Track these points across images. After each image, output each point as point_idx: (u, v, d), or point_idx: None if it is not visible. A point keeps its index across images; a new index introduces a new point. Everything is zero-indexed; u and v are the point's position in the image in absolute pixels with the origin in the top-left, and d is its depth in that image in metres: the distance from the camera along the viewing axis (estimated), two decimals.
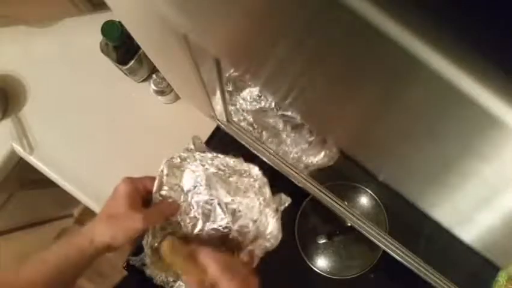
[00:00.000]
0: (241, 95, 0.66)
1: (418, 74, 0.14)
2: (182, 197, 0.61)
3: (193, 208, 0.61)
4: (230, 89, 0.67)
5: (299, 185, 0.66)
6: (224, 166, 0.61)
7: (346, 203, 0.66)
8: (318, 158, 0.68)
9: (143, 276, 0.63)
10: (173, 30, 0.31)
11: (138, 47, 0.70)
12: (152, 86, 0.73)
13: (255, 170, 0.60)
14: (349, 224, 0.67)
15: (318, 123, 0.28)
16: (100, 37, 0.67)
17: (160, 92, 0.74)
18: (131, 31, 0.43)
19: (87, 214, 1.48)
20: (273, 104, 0.66)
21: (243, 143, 0.67)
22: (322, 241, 0.70)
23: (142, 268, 0.63)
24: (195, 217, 0.61)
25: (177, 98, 0.78)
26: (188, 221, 0.61)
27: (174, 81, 0.63)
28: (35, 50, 0.82)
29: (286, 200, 0.62)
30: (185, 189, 0.61)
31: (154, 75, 0.72)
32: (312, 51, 0.18)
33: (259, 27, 0.20)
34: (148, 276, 0.62)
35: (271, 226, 0.59)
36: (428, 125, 0.17)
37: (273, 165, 0.66)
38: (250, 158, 0.68)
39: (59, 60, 0.81)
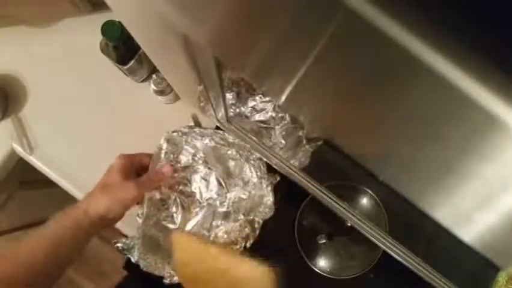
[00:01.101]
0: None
1: (419, 74, 0.14)
2: (180, 172, 0.62)
3: (189, 184, 0.62)
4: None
5: (299, 185, 0.66)
6: (223, 141, 0.62)
7: (346, 203, 0.66)
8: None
9: (143, 276, 0.63)
10: (173, 30, 0.31)
11: (138, 47, 0.70)
12: (152, 86, 0.73)
13: (256, 155, 0.62)
14: (349, 224, 0.67)
15: (318, 123, 0.28)
16: (100, 37, 0.67)
17: (160, 92, 0.74)
18: (131, 31, 0.43)
19: None
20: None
21: (243, 142, 0.67)
22: (322, 241, 0.70)
23: (130, 255, 0.63)
24: (192, 192, 0.62)
25: (177, 98, 0.78)
26: (184, 197, 0.62)
27: (174, 81, 0.63)
28: (35, 50, 0.82)
29: (277, 177, 0.64)
30: (182, 163, 0.62)
31: (154, 75, 0.72)
32: (311, 47, 0.18)
33: (259, 27, 0.20)
34: (136, 262, 0.62)
35: (266, 197, 0.61)
36: (428, 125, 0.17)
37: (272, 165, 0.66)
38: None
39: (59, 60, 0.81)
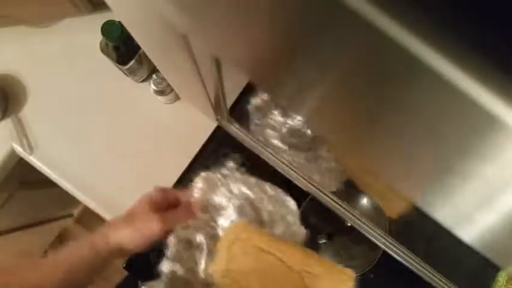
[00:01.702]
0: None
1: (419, 74, 0.14)
2: (211, 214, 0.59)
3: (219, 228, 0.59)
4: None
5: (299, 185, 0.66)
6: (262, 192, 0.59)
7: (346, 203, 0.66)
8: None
9: (144, 276, 0.63)
10: (173, 30, 0.31)
11: (138, 47, 0.70)
12: (152, 86, 0.73)
13: (291, 204, 0.59)
14: (349, 224, 0.67)
15: (315, 122, 0.28)
16: (100, 37, 0.67)
17: (160, 92, 0.74)
18: (131, 31, 0.43)
19: (87, 214, 1.48)
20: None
21: (243, 142, 0.68)
22: (322, 241, 0.70)
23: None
24: (213, 235, 0.58)
25: (177, 98, 0.78)
26: (211, 241, 0.58)
27: (174, 81, 0.63)
28: (35, 50, 0.82)
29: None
30: (215, 206, 0.59)
31: (154, 75, 0.72)
32: (311, 47, 0.18)
33: (258, 27, 0.20)
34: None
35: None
36: (428, 125, 0.17)
37: (272, 164, 0.66)
38: (250, 157, 0.68)
39: (59, 60, 0.81)
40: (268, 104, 0.69)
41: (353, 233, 0.68)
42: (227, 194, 0.59)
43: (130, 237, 0.50)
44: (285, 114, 0.67)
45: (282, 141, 0.68)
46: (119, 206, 0.75)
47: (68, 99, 0.80)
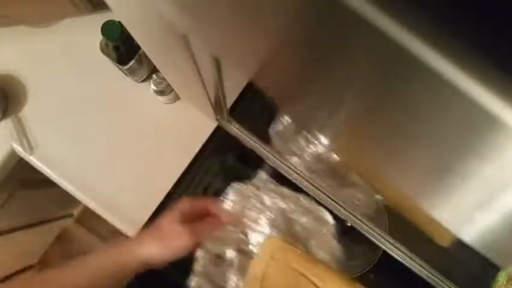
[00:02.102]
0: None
1: (418, 74, 0.14)
2: (242, 227, 0.58)
3: (250, 242, 0.57)
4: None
5: (299, 185, 0.66)
6: (297, 206, 0.58)
7: (346, 203, 0.66)
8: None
9: (145, 276, 0.63)
10: (173, 30, 0.31)
11: (138, 47, 0.70)
12: (152, 86, 0.73)
13: (328, 217, 0.58)
14: (349, 224, 0.67)
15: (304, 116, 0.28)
16: (100, 37, 0.67)
17: (160, 92, 0.74)
18: (131, 31, 0.43)
19: (87, 214, 1.48)
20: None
21: (243, 142, 0.68)
22: None
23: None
24: (251, 252, 0.57)
25: (177, 98, 0.78)
26: (242, 256, 0.57)
27: (174, 81, 0.63)
28: (35, 50, 0.82)
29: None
30: (246, 219, 0.57)
31: (154, 75, 0.72)
32: (312, 46, 0.18)
33: (258, 26, 0.20)
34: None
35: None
36: (427, 125, 0.17)
37: (273, 164, 0.66)
38: (250, 157, 0.68)
39: (59, 60, 0.81)
40: (290, 129, 0.67)
41: (353, 233, 0.68)
42: (259, 206, 0.58)
43: (158, 253, 0.50)
44: (308, 139, 0.65)
45: (308, 168, 0.66)
46: (119, 206, 0.75)
47: (68, 99, 0.80)
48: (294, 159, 0.66)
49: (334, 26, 0.15)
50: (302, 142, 0.65)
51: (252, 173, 0.71)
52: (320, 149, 0.65)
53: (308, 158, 0.66)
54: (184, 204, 0.53)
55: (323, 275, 0.49)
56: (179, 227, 0.50)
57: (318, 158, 0.66)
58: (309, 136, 0.64)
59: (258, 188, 0.59)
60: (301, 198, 0.58)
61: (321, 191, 0.64)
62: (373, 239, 0.64)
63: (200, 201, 0.56)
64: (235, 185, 0.59)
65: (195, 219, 0.53)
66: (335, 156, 0.65)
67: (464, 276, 0.65)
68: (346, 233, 0.70)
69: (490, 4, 0.12)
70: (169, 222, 0.51)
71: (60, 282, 0.48)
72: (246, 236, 0.57)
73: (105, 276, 0.49)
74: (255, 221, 0.57)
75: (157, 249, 0.50)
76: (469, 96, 0.13)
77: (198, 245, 0.52)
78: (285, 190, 0.59)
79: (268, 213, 0.57)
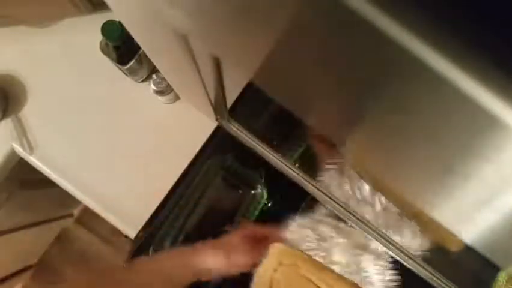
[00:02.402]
0: None
1: (419, 74, 0.14)
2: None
3: None
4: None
5: (300, 184, 0.66)
6: (349, 239, 0.62)
7: (346, 203, 0.66)
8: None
9: None
10: (173, 30, 0.31)
11: (138, 47, 0.70)
12: (152, 86, 0.73)
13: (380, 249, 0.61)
14: (349, 224, 0.67)
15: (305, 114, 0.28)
16: (100, 37, 0.67)
17: (160, 92, 0.74)
18: (131, 31, 0.43)
19: (87, 214, 1.48)
20: None
21: (243, 142, 0.68)
22: None
23: None
24: None
25: (177, 98, 0.78)
26: None
27: (174, 81, 0.63)
28: (35, 50, 0.82)
29: None
30: (304, 250, 0.61)
31: (154, 75, 0.72)
32: (312, 46, 0.18)
33: (258, 27, 0.20)
34: None
35: None
36: (427, 125, 0.17)
37: (273, 164, 0.66)
38: (250, 158, 0.68)
39: (59, 60, 0.81)
40: (332, 178, 0.68)
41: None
42: (316, 238, 0.61)
43: (224, 266, 0.52)
44: (352, 185, 0.66)
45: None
46: (119, 206, 0.75)
47: (68, 99, 0.80)
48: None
49: (334, 25, 0.15)
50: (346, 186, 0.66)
51: (254, 175, 0.71)
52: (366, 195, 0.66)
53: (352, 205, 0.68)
54: (251, 229, 0.56)
55: (331, 281, 0.49)
56: (247, 245, 0.53)
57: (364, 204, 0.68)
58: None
59: (317, 222, 0.63)
60: (356, 233, 0.62)
61: (315, 186, 0.65)
62: (373, 239, 0.64)
63: (262, 228, 0.58)
64: (298, 219, 0.63)
65: (256, 242, 0.56)
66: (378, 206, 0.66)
67: (464, 276, 0.65)
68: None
69: (490, 4, 0.12)
70: (238, 240, 0.54)
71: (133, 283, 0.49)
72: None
73: (174, 278, 0.50)
74: (311, 251, 0.61)
75: (224, 264, 0.52)
76: (469, 96, 0.13)
77: (255, 265, 0.53)
78: (341, 224, 0.63)
79: (323, 244, 0.61)
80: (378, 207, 0.64)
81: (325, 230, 0.62)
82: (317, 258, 0.59)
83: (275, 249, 0.50)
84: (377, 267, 0.62)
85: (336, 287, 0.48)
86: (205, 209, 0.74)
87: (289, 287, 0.49)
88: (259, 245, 0.55)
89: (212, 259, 0.52)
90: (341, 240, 0.62)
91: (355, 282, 0.53)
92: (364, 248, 0.62)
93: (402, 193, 0.26)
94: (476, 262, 0.61)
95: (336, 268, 0.58)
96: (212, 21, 0.23)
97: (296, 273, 0.49)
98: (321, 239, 0.62)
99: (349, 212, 0.65)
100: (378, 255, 0.63)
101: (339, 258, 0.61)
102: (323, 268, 0.51)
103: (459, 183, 0.20)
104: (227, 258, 0.52)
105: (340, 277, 0.51)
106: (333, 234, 0.62)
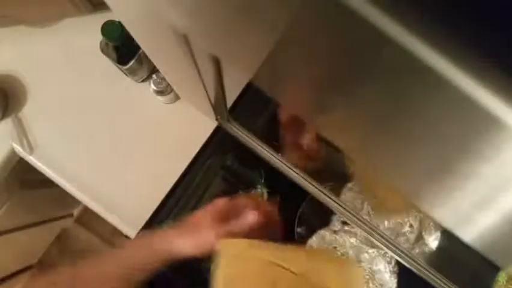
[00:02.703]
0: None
1: (419, 74, 0.14)
2: None
3: None
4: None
5: (299, 184, 0.66)
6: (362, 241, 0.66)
7: (346, 203, 0.66)
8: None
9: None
10: (173, 30, 0.31)
11: (138, 47, 0.70)
12: (152, 86, 0.73)
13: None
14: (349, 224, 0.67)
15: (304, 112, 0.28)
16: (100, 37, 0.67)
17: (160, 92, 0.74)
18: (131, 31, 0.43)
19: (87, 214, 1.48)
20: None
21: (243, 142, 0.68)
22: None
23: None
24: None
25: (177, 98, 0.78)
26: None
27: (174, 81, 0.63)
28: (35, 50, 0.82)
29: None
30: None
31: (154, 75, 0.72)
32: (313, 47, 0.18)
33: (258, 26, 0.20)
34: None
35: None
36: (428, 125, 0.17)
37: (273, 164, 0.66)
38: (250, 158, 0.68)
39: (59, 60, 0.81)
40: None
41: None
42: (335, 245, 0.65)
43: (191, 246, 0.50)
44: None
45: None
46: (119, 206, 0.75)
47: (68, 99, 0.80)
48: None
49: (333, 24, 0.15)
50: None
51: (254, 175, 0.71)
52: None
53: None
54: (217, 203, 0.53)
55: (286, 254, 0.49)
56: (209, 223, 0.50)
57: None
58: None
59: (334, 232, 0.66)
60: (370, 237, 0.64)
61: (315, 186, 0.65)
62: (373, 239, 0.64)
63: (242, 201, 0.55)
64: (318, 232, 0.66)
65: (233, 217, 0.53)
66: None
67: (464, 276, 0.65)
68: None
69: (490, 4, 0.12)
70: (200, 217, 0.52)
71: (92, 275, 0.49)
72: None
73: (137, 268, 0.50)
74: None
75: (190, 243, 0.50)
76: (469, 96, 0.13)
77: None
78: (357, 230, 0.65)
79: (340, 248, 0.65)
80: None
81: (340, 236, 0.66)
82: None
83: (220, 246, 0.49)
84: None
85: (289, 258, 0.48)
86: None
87: (247, 276, 0.48)
88: (227, 219, 0.52)
89: (178, 240, 0.51)
90: (353, 241, 0.65)
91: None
92: (374, 246, 0.64)
93: (402, 192, 0.26)
94: (476, 262, 0.61)
95: None
96: (212, 20, 0.23)
97: (253, 259, 0.49)
98: (337, 243, 0.66)
99: (349, 212, 0.65)
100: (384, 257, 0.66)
101: (352, 253, 0.64)
102: (279, 248, 0.50)
103: (459, 183, 0.20)
104: (192, 237, 0.50)
105: (293, 249, 0.51)
106: (350, 239, 0.66)
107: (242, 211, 0.53)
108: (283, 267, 0.47)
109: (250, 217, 0.51)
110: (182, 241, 0.51)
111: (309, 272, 0.48)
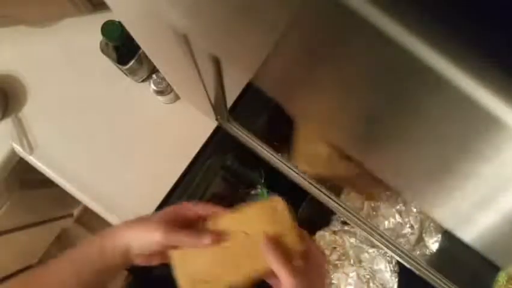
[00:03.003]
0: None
1: (419, 74, 0.14)
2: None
3: (330, 275, 0.65)
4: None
5: (299, 184, 0.66)
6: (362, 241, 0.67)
7: (346, 203, 0.66)
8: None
9: (144, 276, 0.63)
10: (173, 30, 0.31)
11: (138, 47, 0.70)
12: (152, 86, 0.73)
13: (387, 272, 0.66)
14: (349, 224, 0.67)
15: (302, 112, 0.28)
16: (100, 37, 0.67)
17: (160, 92, 0.74)
18: (131, 31, 0.43)
19: (87, 214, 1.48)
20: None
21: (243, 142, 0.68)
22: None
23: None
24: (332, 283, 0.65)
25: (177, 98, 0.78)
26: None
27: (174, 81, 0.63)
28: (35, 50, 0.82)
29: None
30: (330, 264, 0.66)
31: (154, 75, 0.72)
32: (313, 47, 0.18)
33: (258, 26, 0.20)
34: None
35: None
36: (428, 125, 0.17)
37: (273, 164, 0.66)
38: (250, 158, 0.68)
39: (59, 60, 0.81)
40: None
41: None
42: (333, 244, 0.66)
43: (136, 236, 0.47)
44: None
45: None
46: (119, 206, 0.75)
47: (68, 99, 0.80)
48: None
49: (333, 25, 0.15)
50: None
51: (254, 175, 0.71)
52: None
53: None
54: (170, 209, 0.50)
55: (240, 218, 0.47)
56: (157, 223, 0.47)
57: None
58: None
59: (334, 232, 0.67)
60: (370, 236, 0.65)
61: (315, 186, 0.65)
62: (373, 239, 0.64)
63: (186, 206, 0.51)
64: (318, 232, 0.67)
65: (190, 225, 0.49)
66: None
67: (464, 276, 0.65)
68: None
69: (490, 4, 0.12)
70: (157, 216, 0.48)
71: (45, 282, 0.47)
72: (328, 272, 0.66)
73: (92, 269, 0.47)
74: (332, 256, 0.66)
75: (135, 234, 0.47)
76: (469, 96, 0.13)
77: (174, 247, 0.47)
78: (357, 230, 0.66)
79: (340, 248, 0.66)
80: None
81: (340, 236, 0.67)
82: (337, 258, 0.65)
83: (173, 259, 0.45)
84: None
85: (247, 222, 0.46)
86: None
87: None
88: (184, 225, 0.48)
89: (124, 232, 0.48)
90: (353, 240, 0.66)
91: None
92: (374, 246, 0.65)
93: (402, 192, 0.26)
94: (476, 262, 0.61)
95: (348, 263, 0.64)
96: (212, 20, 0.23)
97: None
98: (337, 243, 0.67)
99: (349, 212, 0.65)
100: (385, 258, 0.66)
101: (352, 254, 0.66)
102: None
103: (459, 183, 0.20)
104: (140, 233, 0.47)
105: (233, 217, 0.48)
106: (350, 238, 0.67)
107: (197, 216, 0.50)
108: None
109: (205, 241, 0.46)
110: (128, 233, 0.47)
111: (240, 232, 0.45)
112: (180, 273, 0.45)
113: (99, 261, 0.48)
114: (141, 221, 0.49)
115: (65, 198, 0.88)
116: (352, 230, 0.66)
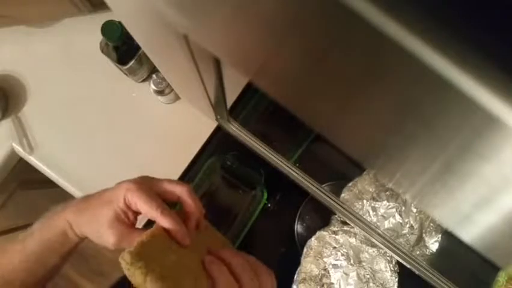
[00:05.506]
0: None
1: (419, 74, 0.14)
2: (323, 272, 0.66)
3: (330, 276, 0.66)
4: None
5: (299, 184, 0.66)
6: (362, 240, 0.67)
7: (346, 203, 0.66)
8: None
9: None
10: (173, 30, 0.31)
11: (138, 47, 0.70)
12: (152, 86, 0.73)
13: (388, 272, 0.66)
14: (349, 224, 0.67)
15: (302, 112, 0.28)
16: (100, 37, 0.67)
17: (160, 92, 0.74)
18: (131, 31, 0.43)
19: None
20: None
21: (243, 142, 0.68)
22: None
23: None
24: (331, 283, 0.65)
25: (177, 98, 0.78)
26: None
27: (174, 81, 0.63)
28: (35, 50, 0.82)
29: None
30: (324, 257, 0.66)
31: (154, 75, 0.72)
32: (313, 47, 0.18)
33: (258, 26, 0.20)
34: None
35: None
36: (427, 125, 0.17)
37: (273, 164, 0.66)
38: (250, 158, 0.68)
39: (59, 60, 0.81)
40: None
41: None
42: (333, 244, 0.67)
43: (91, 235, 0.46)
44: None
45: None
46: None
47: (68, 99, 0.80)
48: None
49: (333, 24, 0.15)
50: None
51: (254, 175, 0.71)
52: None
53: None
54: (135, 184, 0.46)
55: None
56: (111, 227, 0.43)
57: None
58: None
59: (334, 232, 0.67)
60: (370, 236, 0.65)
61: (315, 186, 0.65)
62: (373, 239, 0.64)
63: (158, 182, 0.48)
64: (318, 232, 0.67)
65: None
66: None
67: (464, 276, 0.65)
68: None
69: (490, 4, 0.12)
70: (107, 211, 0.45)
71: (7, 261, 0.47)
72: (327, 270, 0.66)
73: (39, 245, 0.46)
74: (332, 257, 0.66)
75: (91, 234, 0.45)
76: (469, 97, 0.13)
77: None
78: (357, 229, 0.66)
79: (344, 250, 0.66)
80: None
81: (340, 236, 0.67)
82: (336, 258, 0.65)
83: (123, 262, 0.39)
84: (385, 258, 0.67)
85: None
86: (204, 209, 0.74)
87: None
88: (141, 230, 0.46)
89: (85, 228, 0.46)
90: (353, 240, 0.66)
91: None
92: (374, 245, 0.66)
93: (397, 190, 0.26)
94: (476, 262, 0.61)
95: (348, 263, 0.65)
96: (212, 20, 0.23)
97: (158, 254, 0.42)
98: (338, 243, 0.67)
99: (349, 212, 0.65)
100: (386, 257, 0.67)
101: (352, 253, 0.66)
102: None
103: (459, 183, 0.20)
104: (95, 233, 0.46)
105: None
106: (349, 238, 0.67)
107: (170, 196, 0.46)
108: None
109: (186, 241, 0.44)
110: (85, 230, 0.45)
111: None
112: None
113: (44, 239, 0.47)
114: (94, 217, 0.45)
115: (65, 198, 0.88)
116: (352, 230, 0.66)
